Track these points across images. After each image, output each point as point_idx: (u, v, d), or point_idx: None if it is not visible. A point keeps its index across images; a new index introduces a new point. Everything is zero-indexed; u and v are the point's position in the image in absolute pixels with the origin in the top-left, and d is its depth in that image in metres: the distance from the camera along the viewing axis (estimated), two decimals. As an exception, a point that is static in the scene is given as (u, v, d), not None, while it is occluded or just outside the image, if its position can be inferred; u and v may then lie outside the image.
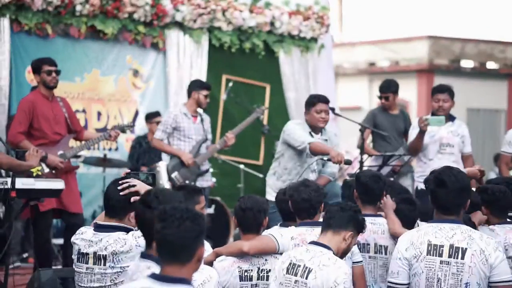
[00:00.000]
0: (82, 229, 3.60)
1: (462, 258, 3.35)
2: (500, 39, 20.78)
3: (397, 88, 7.13)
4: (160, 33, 8.09)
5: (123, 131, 6.34)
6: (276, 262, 3.65)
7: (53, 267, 5.66)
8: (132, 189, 3.44)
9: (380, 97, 7.11)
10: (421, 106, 18.27)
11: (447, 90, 6.18)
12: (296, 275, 3.37)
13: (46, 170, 5.68)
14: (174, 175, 6.61)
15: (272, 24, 8.70)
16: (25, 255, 6.86)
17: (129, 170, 6.88)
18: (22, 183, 4.93)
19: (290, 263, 3.43)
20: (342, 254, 3.48)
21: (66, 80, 7.56)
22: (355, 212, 3.52)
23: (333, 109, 6.81)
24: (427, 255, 3.41)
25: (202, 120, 6.72)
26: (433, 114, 6.19)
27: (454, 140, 6.18)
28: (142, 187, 3.44)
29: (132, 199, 3.42)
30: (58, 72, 5.85)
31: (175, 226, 2.48)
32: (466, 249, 3.36)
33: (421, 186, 6.02)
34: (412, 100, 18.35)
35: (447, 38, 19.66)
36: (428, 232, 3.45)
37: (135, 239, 3.40)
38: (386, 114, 7.12)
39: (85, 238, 3.51)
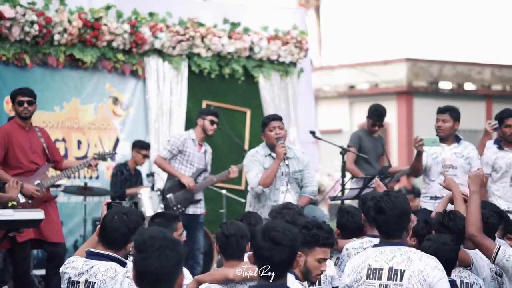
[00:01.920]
0: (72, 258, 3.62)
1: (401, 280, 3.40)
2: (477, 61, 21.06)
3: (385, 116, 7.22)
4: (139, 61, 8.09)
5: (104, 159, 6.30)
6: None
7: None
8: None
9: (374, 124, 7.08)
10: (401, 128, 18.41)
11: (448, 111, 6.03)
12: None
13: (22, 200, 5.62)
14: (169, 196, 6.71)
15: (251, 49, 8.74)
16: (5, 287, 6.74)
17: (110, 200, 6.82)
18: (0, 214, 4.87)
19: None
20: (303, 276, 3.49)
21: (45, 110, 7.52)
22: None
23: (313, 133, 6.86)
24: (366, 279, 3.47)
25: (205, 151, 6.94)
26: (437, 135, 6.06)
27: (457, 161, 6.02)
28: None
29: None
30: (30, 103, 5.83)
31: (155, 257, 2.44)
32: (404, 270, 3.41)
33: (425, 206, 6.05)
34: (392, 122, 18.48)
35: (425, 60, 19.88)
36: (369, 256, 3.52)
37: (125, 277, 3.39)
38: (370, 137, 7.18)
39: (75, 267, 3.53)
